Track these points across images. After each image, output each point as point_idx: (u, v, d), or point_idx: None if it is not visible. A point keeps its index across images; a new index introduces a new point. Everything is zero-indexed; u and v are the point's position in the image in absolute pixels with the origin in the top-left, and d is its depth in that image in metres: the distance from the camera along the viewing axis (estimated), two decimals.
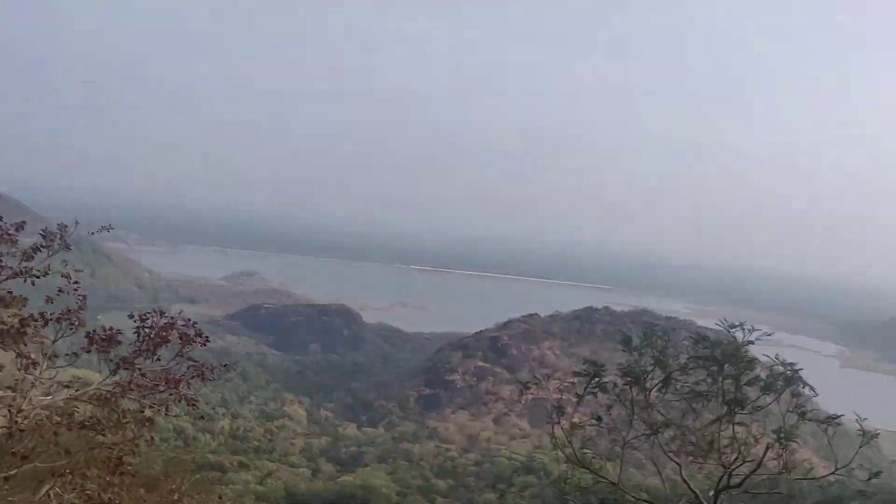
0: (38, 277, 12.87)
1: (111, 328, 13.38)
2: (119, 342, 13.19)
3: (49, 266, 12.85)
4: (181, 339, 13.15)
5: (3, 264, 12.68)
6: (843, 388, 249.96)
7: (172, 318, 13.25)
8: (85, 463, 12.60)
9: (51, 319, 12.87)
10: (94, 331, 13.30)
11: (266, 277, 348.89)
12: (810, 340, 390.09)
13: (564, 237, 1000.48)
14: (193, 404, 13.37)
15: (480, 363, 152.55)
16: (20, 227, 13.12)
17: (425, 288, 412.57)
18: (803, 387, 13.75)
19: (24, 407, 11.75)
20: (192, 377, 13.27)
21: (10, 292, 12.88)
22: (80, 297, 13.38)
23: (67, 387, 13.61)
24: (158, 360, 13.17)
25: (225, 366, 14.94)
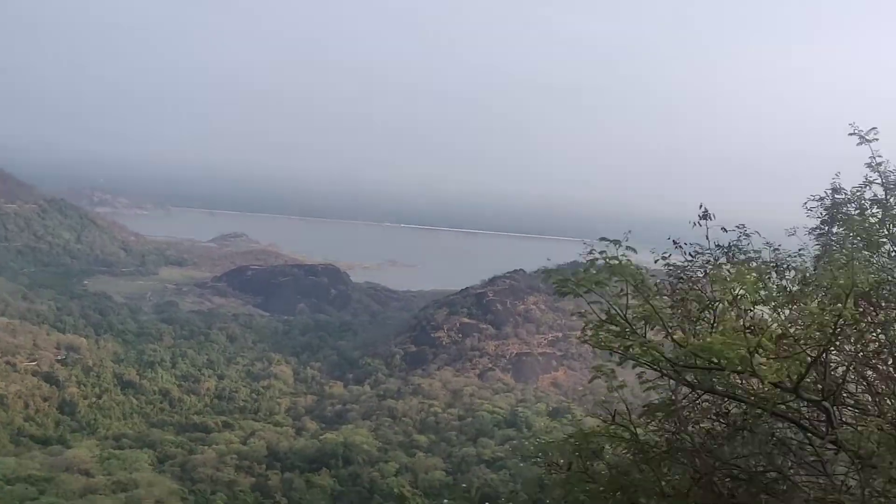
0: None
1: None
2: None
3: None
4: None
5: None
6: None
7: None
8: None
9: None
10: None
11: (254, 238, 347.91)
12: None
13: (555, 192, 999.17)
14: None
15: (465, 320, 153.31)
16: None
17: (415, 246, 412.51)
18: None
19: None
20: None
21: None
22: None
23: None
24: None
25: None
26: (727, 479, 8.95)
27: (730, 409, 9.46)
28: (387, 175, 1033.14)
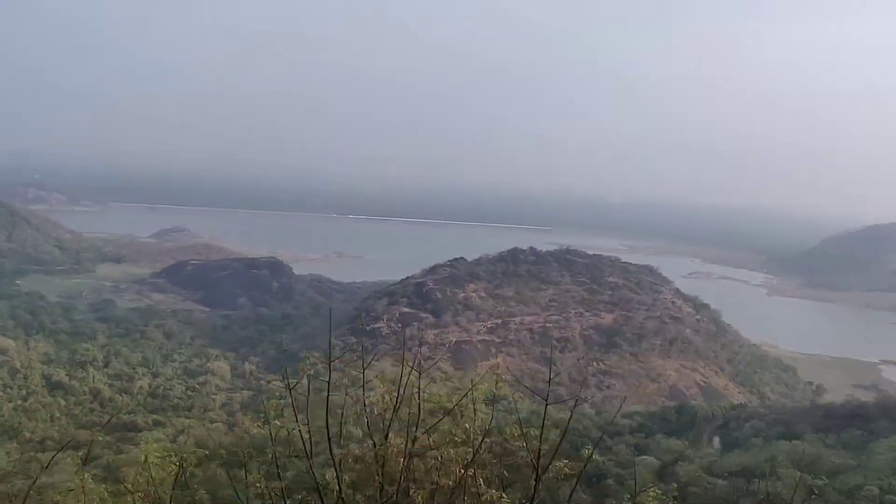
0: None
1: None
2: None
3: None
4: None
5: None
6: (769, 316, 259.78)
7: None
8: None
9: None
10: None
11: (196, 233, 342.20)
12: (739, 271, 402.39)
13: (505, 179, 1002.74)
14: None
15: (405, 309, 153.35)
16: None
17: (360, 237, 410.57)
18: None
19: None
20: None
21: None
22: None
23: None
24: None
25: None
26: None
27: None
28: (333, 166, 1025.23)
